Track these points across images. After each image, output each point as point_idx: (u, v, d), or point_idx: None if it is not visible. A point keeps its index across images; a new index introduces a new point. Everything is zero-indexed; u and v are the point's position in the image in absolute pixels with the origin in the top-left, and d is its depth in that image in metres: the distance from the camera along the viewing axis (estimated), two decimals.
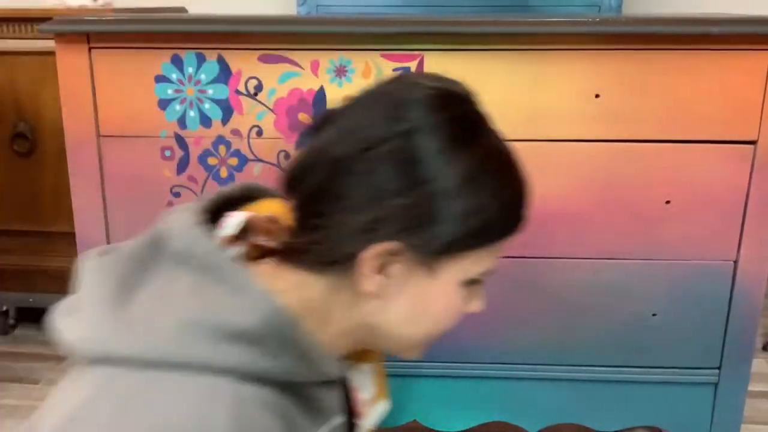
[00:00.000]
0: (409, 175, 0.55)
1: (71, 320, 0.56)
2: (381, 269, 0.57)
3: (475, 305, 0.64)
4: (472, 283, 0.61)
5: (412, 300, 0.59)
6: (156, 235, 0.58)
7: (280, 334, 0.54)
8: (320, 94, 0.96)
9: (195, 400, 0.49)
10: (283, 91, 0.96)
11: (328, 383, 0.62)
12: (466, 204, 0.56)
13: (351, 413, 0.69)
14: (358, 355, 0.70)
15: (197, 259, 0.55)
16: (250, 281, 0.55)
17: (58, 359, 1.67)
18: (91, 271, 0.58)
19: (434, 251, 0.57)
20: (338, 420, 0.64)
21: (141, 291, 0.55)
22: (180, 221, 0.58)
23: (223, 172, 1.00)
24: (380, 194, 0.55)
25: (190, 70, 0.96)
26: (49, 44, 1.04)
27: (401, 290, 0.59)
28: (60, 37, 0.95)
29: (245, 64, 0.96)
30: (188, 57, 0.96)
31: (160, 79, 0.96)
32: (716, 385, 1.07)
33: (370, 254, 0.55)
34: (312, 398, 0.60)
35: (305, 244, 0.57)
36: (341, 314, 0.60)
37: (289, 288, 0.57)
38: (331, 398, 0.63)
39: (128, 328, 0.53)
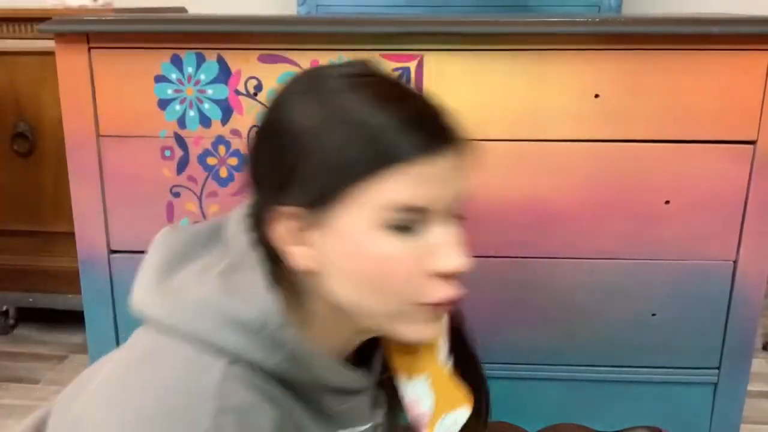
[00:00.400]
0: (267, 136, 0.60)
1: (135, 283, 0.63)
2: (295, 240, 0.58)
3: (447, 261, 0.57)
4: (406, 229, 0.55)
5: (343, 263, 0.57)
6: (220, 220, 0.66)
7: (271, 333, 0.56)
8: None
9: (192, 366, 0.54)
10: None
11: (348, 392, 0.62)
12: (321, 144, 0.55)
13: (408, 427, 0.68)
14: (409, 367, 0.67)
15: (235, 248, 0.60)
16: (260, 278, 0.58)
17: (58, 359, 1.67)
18: (158, 242, 0.65)
19: (318, 202, 0.56)
20: (361, 428, 0.65)
21: (188, 266, 0.61)
22: (238, 211, 0.64)
23: (223, 172, 1.00)
24: (258, 167, 0.60)
25: (190, 70, 0.96)
26: (49, 44, 1.04)
27: (328, 256, 0.57)
28: (60, 37, 0.95)
29: (245, 64, 0.96)
30: (188, 57, 0.96)
31: (160, 79, 0.96)
32: (716, 385, 1.07)
33: (274, 230, 0.58)
34: (322, 404, 0.60)
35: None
36: (307, 303, 0.61)
37: None
38: (352, 407, 0.63)
39: (162, 295, 0.59)
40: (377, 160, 0.54)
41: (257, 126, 0.62)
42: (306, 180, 0.56)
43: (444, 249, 0.57)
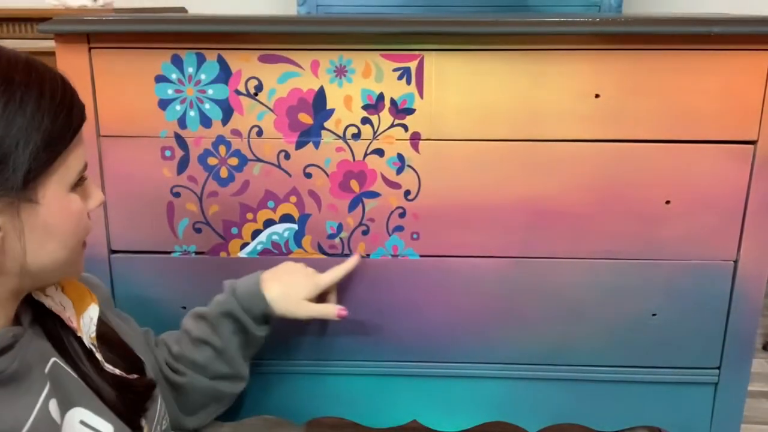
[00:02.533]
0: None
1: None
2: None
3: (95, 199, 0.72)
4: (76, 185, 0.68)
5: (37, 233, 0.65)
6: None
7: None
8: (320, 94, 0.96)
9: None
10: (283, 91, 0.96)
11: (7, 348, 0.65)
12: (19, 126, 0.61)
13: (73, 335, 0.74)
14: (77, 298, 0.78)
15: None
16: None
17: None
18: None
19: (20, 182, 0.61)
20: (50, 364, 0.70)
21: None
22: None
23: (223, 172, 1.00)
24: None
25: (190, 70, 0.96)
26: (49, 44, 1.04)
27: (21, 232, 0.64)
28: (60, 37, 0.95)
29: (245, 64, 0.96)
30: (188, 57, 0.96)
31: (160, 79, 0.97)
32: (716, 385, 1.07)
33: None
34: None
35: None
36: None
37: None
38: (23, 355, 0.67)
39: None
40: (65, 129, 0.65)
41: None
42: (6, 170, 0.61)
43: (90, 188, 0.72)
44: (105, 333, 0.79)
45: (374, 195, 1.00)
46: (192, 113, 0.98)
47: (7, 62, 0.63)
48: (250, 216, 1.02)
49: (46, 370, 0.69)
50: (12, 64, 0.63)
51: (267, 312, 0.94)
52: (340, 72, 0.96)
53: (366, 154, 0.99)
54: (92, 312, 0.78)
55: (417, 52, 0.95)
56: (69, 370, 0.72)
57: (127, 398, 0.75)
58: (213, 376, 0.95)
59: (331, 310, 0.98)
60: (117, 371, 0.76)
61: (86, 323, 0.76)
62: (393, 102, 0.96)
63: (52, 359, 0.71)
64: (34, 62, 0.65)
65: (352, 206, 1.01)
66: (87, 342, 0.74)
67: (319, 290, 0.97)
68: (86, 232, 0.71)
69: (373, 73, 0.96)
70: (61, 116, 0.65)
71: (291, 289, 0.95)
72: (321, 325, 1.06)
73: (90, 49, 0.96)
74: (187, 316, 0.97)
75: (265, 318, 0.95)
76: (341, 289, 1.03)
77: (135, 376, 0.78)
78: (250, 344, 0.97)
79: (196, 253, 1.04)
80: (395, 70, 0.95)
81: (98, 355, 0.75)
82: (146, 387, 0.80)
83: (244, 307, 0.94)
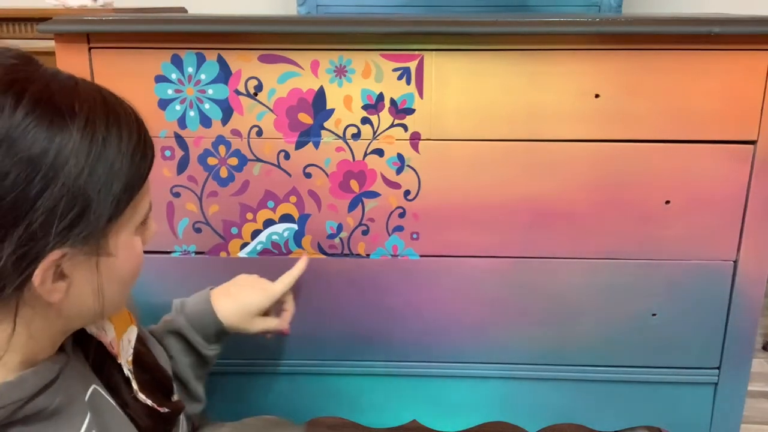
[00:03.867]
0: (33, 174, 0.53)
1: None
2: (58, 277, 0.57)
3: (151, 232, 0.67)
4: (142, 225, 0.64)
5: (104, 276, 0.60)
6: None
7: None
8: (320, 94, 0.96)
9: None
10: (283, 91, 0.96)
11: (51, 383, 0.62)
12: (101, 173, 0.56)
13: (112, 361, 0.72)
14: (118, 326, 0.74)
15: None
16: None
17: None
18: None
19: (100, 232, 0.58)
20: (90, 392, 0.67)
21: None
22: None
23: (223, 172, 1.00)
24: (16, 210, 0.53)
25: (190, 70, 0.96)
26: (49, 44, 1.04)
27: (88, 276, 0.59)
28: (60, 37, 0.95)
29: (245, 64, 0.96)
30: (188, 57, 0.96)
31: (160, 79, 0.96)
32: (716, 385, 1.07)
33: (39, 276, 0.54)
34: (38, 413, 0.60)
35: None
36: (38, 334, 0.60)
37: None
38: (67, 387, 0.63)
39: None
40: (142, 170, 0.61)
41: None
42: (89, 213, 0.56)
43: (152, 228, 0.68)
44: (139, 353, 0.77)
45: (374, 195, 1.00)
46: (192, 113, 0.98)
47: (86, 100, 0.57)
48: (249, 216, 1.02)
49: (86, 398, 0.66)
50: (91, 104, 0.58)
51: (219, 329, 0.92)
52: (340, 72, 0.96)
53: (366, 154, 0.99)
54: (131, 334, 0.76)
55: (417, 52, 0.95)
56: (108, 397, 0.69)
57: (159, 426, 0.74)
58: None
59: (275, 324, 0.97)
60: (149, 402, 0.73)
61: (125, 346, 0.74)
62: (393, 102, 0.96)
63: (92, 386, 0.68)
64: (108, 96, 0.61)
65: (351, 206, 1.01)
66: (125, 368, 0.73)
67: (273, 300, 0.96)
68: (141, 268, 0.66)
69: (373, 73, 0.96)
70: (137, 158, 0.60)
71: (243, 305, 0.93)
72: (321, 325, 1.06)
73: (90, 49, 0.96)
74: None
75: (217, 336, 0.93)
76: (340, 290, 1.03)
77: (166, 410, 0.76)
78: (200, 364, 0.93)
79: (196, 253, 1.04)
80: (395, 70, 0.95)
81: (134, 384, 0.73)
82: (178, 411, 0.78)
83: (194, 326, 0.91)
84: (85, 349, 0.70)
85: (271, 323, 0.96)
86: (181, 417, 0.82)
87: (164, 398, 0.78)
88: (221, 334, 0.93)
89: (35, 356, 0.61)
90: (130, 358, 0.75)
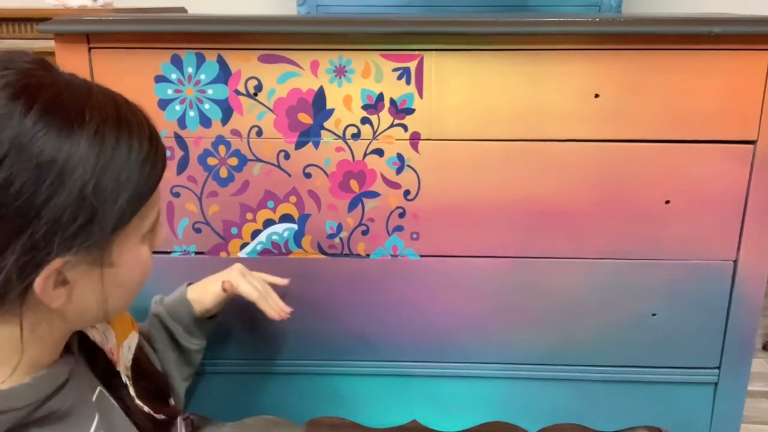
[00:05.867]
0: (40, 182, 0.52)
1: None
2: (59, 284, 0.56)
3: (159, 238, 0.67)
4: (147, 233, 0.63)
5: (108, 287, 0.60)
6: None
7: None
8: (320, 94, 0.96)
9: None
10: (282, 91, 0.96)
11: (63, 385, 0.62)
12: (108, 183, 0.55)
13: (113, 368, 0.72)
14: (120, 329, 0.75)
15: None
16: None
17: None
18: None
19: (104, 242, 0.57)
20: (97, 393, 0.67)
21: None
22: None
23: (223, 172, 1.00)
24: (21, 218, 0.52)
25: (190, 70, 0.96)
26: (49, 44, 1.04)
27: (91, 283, 0.59)
28: (60, 37, 0.95)
29: (245, 64, 0.96)
30: (188, 57, 0.96)
31: (160, 79, 0.96)
32: (716, 385, 1.07)
33: (40, 284, 0.54)
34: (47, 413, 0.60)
35: None
36: (44, 336, 0.60)
37: None
38: (77, 387, 0.64)
39: None
40: (152, 179, 0.60)
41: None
42: (95, 220, 0.55)
43: (161, 234, 0.67)
44: (138, 359, 0.78)
45: (374, 195, 1.00)
46: (192, 113, 0.98)
47: (98, 109, 0.56)
48: (249, 216, 1.02)
49: (94, 398, 0.67)
50: (103, 112, 0.57)
51: (193, 316, 0.93)
52: (340, 72, 0.96)
53: (366, 154, 0.99)
54: (132, 340, 0.76)
55: (417, 52, 0.95)
56: (112, 400, 0.70)
57: (158, 428, 0.75)
58: None
59: (245, 290, 0.94)
60: (146, 409, 0.74)
61: (125, 353, 0.74)
62: (393, 102, 0.96)
63: (98, 388, 0.68)
64: (122, 105, 0.60)
65: (351, 206, 1.01)
66: (123, 375, 0.73)
67: (238, 281, 0.93)
68: (150, 274, 0.66)
69: (372, 73, 0.96)
70: (147, 169, 0.59)
71: (209, 284, 0.95)
72: (321, 325, 1.06)
73: (90, 49, 0.96)
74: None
75: (197, 327, 0.94)
76: (340, 290, 1.03)
77: (162, 416, 0.76)
78: (185, 361, 0.95)
79: (196, 253, 1.04)
80: (395, 70, 0.95)
81: (131, 390, 0.73)
82: (174, 417, 0.79)
83: (172, 316, 0.93)
84: (87, 354, 0.71)
85: (243, 289, 0.93)
86: (179, 422, 0.82)
87: (161, 404, 0.78)
88: (198, 324, 0.94)
89: (43, 358, 0.61)
90: (129, 364, 0.75)
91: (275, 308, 0.95)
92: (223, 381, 1.09)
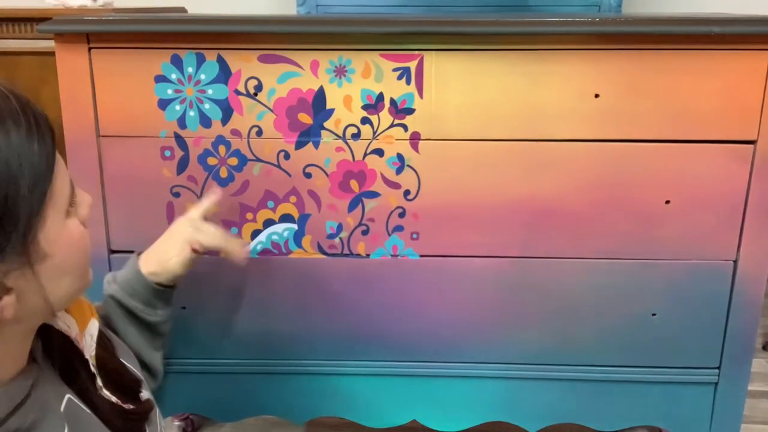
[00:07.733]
0: None
1: None
2: (3, 292, 0.55)
3: (85, 205, 0.64)
4: (69, 206, 0.60)
5: (52, 276, 0.58)
6: None
7: None
8: (320, 94, 0.96)
9: None
10: (282, 91, 0.96)
11: (24, 400, 0.60)
12: (2, 174, 0.52)
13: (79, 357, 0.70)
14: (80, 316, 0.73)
15: None
16: None
17: None
18: None
19: (26, 236, 0.54)
20: (65, 401, 0.65)
21: None
22: None
23: (223, 172, 1.00)
24: None
25: (190, 70, 0.96)
26: (49, 44, 1.04)
27: (31, 282, 0.57)
28: (60, 37, 0.95)
29: (245, 64, 0.96)
30: (188, 57, 0.96)
31: (160, 79, 0.96)
32: (716, 384, 1.07)
33: None
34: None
35: None
36: (6, 344, 0.59)
37: None
38: (41, 400, 0.62)
39: None
40: (45, 181, 0.56)
41: None
42: (7, 230, 0.53)
43: (85, 200, 0.64)
44: (103, 357, 0.75)
45: (374, 195, 1.00)
46: (192, 113, 0.98)
47: None
48: (249, 216, 1.02)
49: (62, 408, 0.64)
50: None
51: (151, 289, 0.89)
52: (340, 72, 0.96)
53: (366, 154, 0.99)
54: (92, 329, 0.74)
55: (417, 52, 0.95)
56: (82, 405, 0.68)
57: (131, 426, 0.73)
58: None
59: (207, 240, 0.91)
60: (113, 398, 0.72)
61: (88, 342, 0.73)
62: (393, 102, 0.96)
63: (67, 396, 0.66)
64: None
65: (351, 206, 1.01)
66: (92, 365, 0.71)
67: (198, 236, 0.91)
68: (89, 246, 0.64)
69: (372, 73, 0.96)
70: (34, 147, 0.54)
71: (166, 252, 0.90)
72: (321, 325, 1.06)
73: (90, 49, 0.96)
74: None
75: (157, 298, 0.90)
76: (340, 290, 1.03)
77: (130, 406, 0.74)
78: (150, 334, 0.92)
79: None
80: (395, 70, 0.95)
81: (98, 380, 0.71)
82: (145, 411, 0.77)
83: (128, 293, 0.89)
84: (51, 353, 0.68)
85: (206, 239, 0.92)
86: (159, 419, 0.80)
87: (129, 397, 0.76)
88: (160, 295, 0.91)
89: (7, 367, 0.60)
90: (93, 353, 0.73)
91: (240, 246, 0.94)
92: (223, 381, 1.09)
